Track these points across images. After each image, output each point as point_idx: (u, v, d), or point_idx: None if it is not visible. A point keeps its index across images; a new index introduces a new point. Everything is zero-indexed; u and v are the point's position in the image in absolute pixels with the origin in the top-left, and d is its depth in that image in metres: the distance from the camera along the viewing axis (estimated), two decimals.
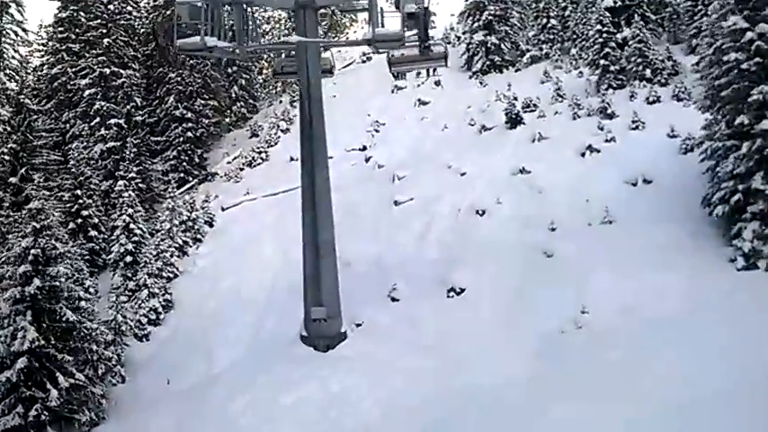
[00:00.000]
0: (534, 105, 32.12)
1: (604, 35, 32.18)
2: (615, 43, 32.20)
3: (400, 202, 28.07)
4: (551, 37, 39.45)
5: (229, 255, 28.90)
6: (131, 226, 28.15)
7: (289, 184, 30.40)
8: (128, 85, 35.52)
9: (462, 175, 28.28)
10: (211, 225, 31.57)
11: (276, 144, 38.88)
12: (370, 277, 23.84)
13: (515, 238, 22.98)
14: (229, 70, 44.72)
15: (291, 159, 35.03)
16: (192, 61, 38.42)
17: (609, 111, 29.03)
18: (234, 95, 44.53)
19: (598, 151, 26.57)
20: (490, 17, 40.36)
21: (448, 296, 21.87)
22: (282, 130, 39.72)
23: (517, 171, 26.87)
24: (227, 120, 44.40)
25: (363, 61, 48.42)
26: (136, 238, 28.01)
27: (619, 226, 21.76)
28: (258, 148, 38.59)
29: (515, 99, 31.99)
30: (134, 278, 26.89)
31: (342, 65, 49.29)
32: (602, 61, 31.88)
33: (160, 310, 25.63)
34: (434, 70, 19.09)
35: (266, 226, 30.20)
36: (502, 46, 40.31)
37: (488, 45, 40.12)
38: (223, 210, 32.95)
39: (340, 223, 28.31)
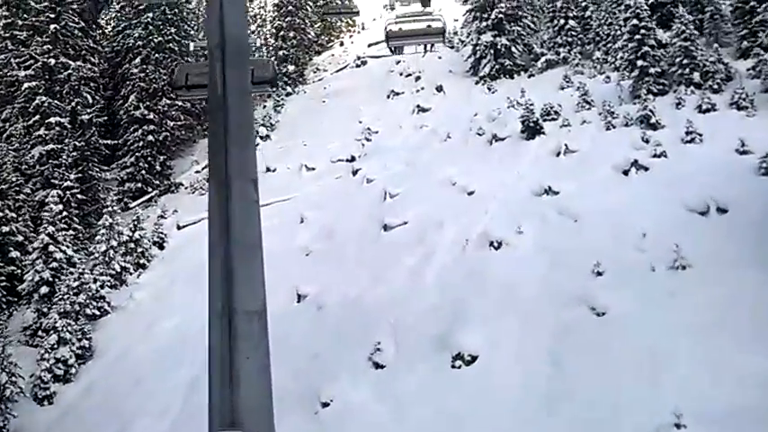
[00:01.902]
0: (556, 113, 25.16)
1: (641, 31, 25.22)
2: (654, 41, 25.27)
3: (391, 227, 20.87)
4: (570, 40, 32.49)
5: (177, 285, 21.69)
6: (51, 248, 20.98)
7: (261, 199, 23.29)
8: (75, 79, 28.25)
9: (470, 194, 21.22)
10: (162, 247, 24.33)
11: None
12: (348, 329, 16.65)
13: (545, 282, 15.73)
14: None
15: (268, 170, 28.71)
16: (156, 55, 31.33)
17: (652, 120, 22.05)
18: None
19: (646, 169, 19.55)
20: (500, 15, 33.41)
21: (453, 365, 14.42)
22: (261, 137, 32.63)
23: (541, 191, 19.83)
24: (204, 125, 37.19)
25: (358, 66, 41.52)
26: (55, 264, 20.84)
27: (697, 273, 14.39)
28: None
29: (532, 105, 24.98)
30: (48, 315, 19.76)
31: (335, 69, 42.66)
32: (639, 62, 24.79)
33: (72, 361, 18.35)
34: (432, 46, 15.28)
35: None
36: (513, 48, 33.39)
37: (498, 47, 33.17)
38: (179, 228, 25.69)
39: (315, 250, 21.60)
